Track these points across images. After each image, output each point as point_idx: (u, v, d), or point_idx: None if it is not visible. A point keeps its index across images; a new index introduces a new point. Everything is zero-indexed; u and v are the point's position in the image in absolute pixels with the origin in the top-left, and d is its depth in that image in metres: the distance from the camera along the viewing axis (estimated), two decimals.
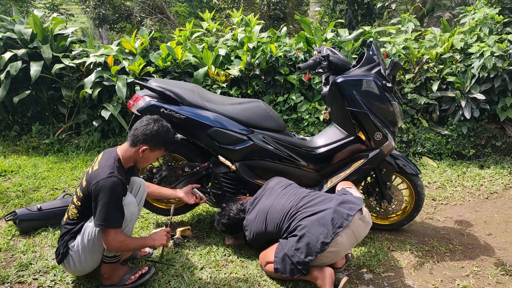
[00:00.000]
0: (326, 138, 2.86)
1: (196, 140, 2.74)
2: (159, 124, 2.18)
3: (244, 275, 2.36)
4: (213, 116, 2.68)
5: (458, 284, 2.32)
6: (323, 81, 2.95)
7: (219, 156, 2.72)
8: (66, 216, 2.22)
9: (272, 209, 2.38)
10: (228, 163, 2.71)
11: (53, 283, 2.25)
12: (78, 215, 2.14)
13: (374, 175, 2.87)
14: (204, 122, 2.65)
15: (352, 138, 2.73)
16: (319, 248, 2.12)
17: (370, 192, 2.93)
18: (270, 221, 2.37)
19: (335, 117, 2.87)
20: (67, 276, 2.30)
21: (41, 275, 2.32)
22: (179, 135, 2.88)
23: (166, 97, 2.66)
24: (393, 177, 2.90)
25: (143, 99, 2.69)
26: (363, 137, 2.69)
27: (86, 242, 2.08)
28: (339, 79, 2.66)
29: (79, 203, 2.13)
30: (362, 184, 2.99)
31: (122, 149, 2.19)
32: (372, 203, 2.96)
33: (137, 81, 2.90)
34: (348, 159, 2.76)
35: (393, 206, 2.94)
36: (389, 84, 2.64)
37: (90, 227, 2.07)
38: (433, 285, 2.32)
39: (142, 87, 2.76)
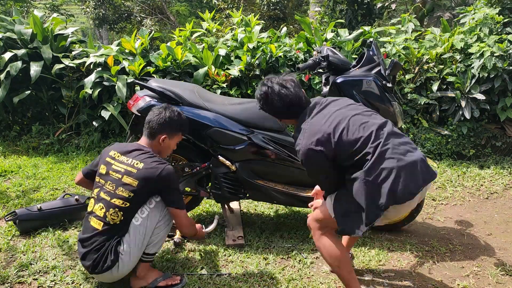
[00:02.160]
0: None
1: (196, 140, 2.73)
2: (170, 110, 2.26)
3: (244, 275, 2.36)
4: (213, 116, 2.68)
5: (458, 284, 2.32)
6: (323, 81, 2.94)
7: (219, 156, 2.71)
8: (99, 223, 2.08)
9: (355, 118, 1.92)
10: (228, 163, 2.70)
11: (53, 283, 2.25)
12: (123, 217, 2.08)
13: None
14: (204, 122, 2.65)
15: None
16: (406, 196, 1.77)
17: None
18: (352, 130, 1.88)
19: None
20: (67, 276, 2.30)
21: (41, 275, 2.31)
22: None
23: (166, 97, 2.67)
24: None
25: (143, 99, 2.69)
26: None
27: (136, 242, 2.09)
28: (339, 79, 2.66)
29: (127, 204, 2.08)
30: None
31: (144, 143, 2.25)
32: None
33: (137, 81, 2.89)
34: None
35: None
36: (389, 84, 2.65)
37: (137, 226, 2.09)
38: (433, 285, 2.32)
39: (142, 87, 2.77)
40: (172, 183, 2.13)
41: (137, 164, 2.12)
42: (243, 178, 2.72)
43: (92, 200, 2.18)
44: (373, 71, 2.67)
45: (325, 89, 2.91)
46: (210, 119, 2.66)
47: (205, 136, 2.66)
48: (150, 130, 2.23)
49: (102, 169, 2.20)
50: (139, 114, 2.66)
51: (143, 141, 2.26)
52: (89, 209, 2.18)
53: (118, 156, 2.20)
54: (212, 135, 2.65)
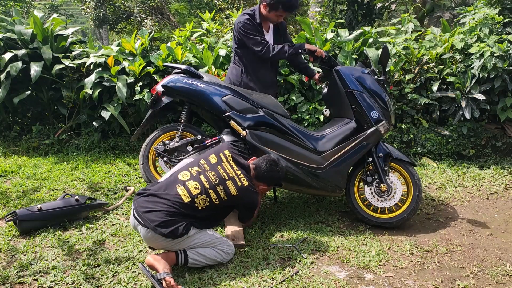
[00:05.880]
0: (328, 126, 3.20)
1: (210, 108, 3.02)
2: (282, 171, 2.66)
3: (244, 275, 2.36)
4: (230, 88, 3.08)
5: (459, 285, 2.32)
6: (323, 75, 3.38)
7: (231, 121, 2.95)
8: (188, 197, 2.32)
9: None
10: (239, 128, 2.93)
11: (53, 283, 2.25)
12: (205, 208, 2.36)
13: (372, 163, 3.07)
14: (222, 90, 3.03)
15: (351, 121, 3.05)
16: None
17: (370, 179, 3.06)
18: None
19: (335, 109, 3.25)
20: (67, 276, 2.30)
21: (41, 276, 2.32)
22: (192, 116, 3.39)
23: (190, 74, 3.16)
24: (391, 170, 3.09)
25: (169, 76, 3.15)
26: (361, 118, 3.00)
27: (196, 238, 2.32)
28: (339, 67, 3.08)
29: (217, 202, 2.38)
30: (364, 176, 3.09)
31: (251, 170, 2.59)
32: (372, 192, 3.06)
33: (168, 64, 3.59)
34: (349, 140, 3.02)
35: (393, 197, 3.04)
36: (381, 77, 3.06)
37: (206, 233, 2.38)
38: (434, 285, 2.32)
39: (173, 70, 3.28)
40: (254, 207, 2.62)
41: (243, 179, 2.47)
42: (252, 143, 2.95)
43: (187, 173, 2.45)
44: (367, 70, 3.10)
45: (326, 89, 3.27)
46: (227, 88, 3.06)
47: (220, 101, 2.98)
48: (258, 174, 2.58)
49: (212, 159, 2.54)
50: (163, 89, 3.11)
51: (251, 167, 2.59)
52: (181, 178, 2.41)
53: (230, 160, 2.54)
54: (228, 100, 2.99)
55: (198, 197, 2.35)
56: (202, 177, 2.42)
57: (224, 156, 2.56)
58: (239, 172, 2.50)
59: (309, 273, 2.39)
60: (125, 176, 4.03)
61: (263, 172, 2.58)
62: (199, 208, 2.35)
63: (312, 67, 3.93)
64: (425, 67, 4.71)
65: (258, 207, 2.69)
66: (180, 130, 3.18)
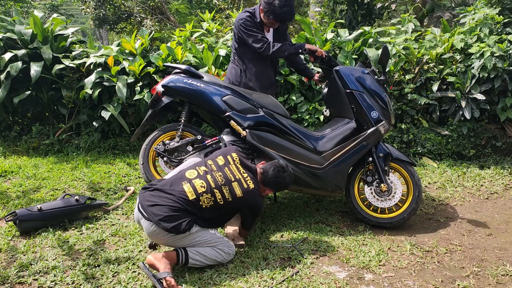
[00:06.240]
0: (328, 126, 3.20)
1: (210, 108, 3.04)
2: (290, 177, 2.65)
3: (244, 275, 2.36)
4: (230, 88, 3.08)
5: (459, 285, 2.32)
6: (323, 74, 3.39)
7: (231, 121, 2.96)
8: (193, 194, 2.34)
9: None
10: (239, 128, 2.94)
11: (53, 283, 2.25)
12: (209, 207, 2.37)
13: (372, 163, 3.07)
14: (222, 90, 3.04)
15: (351, 121, 3.06)
16: None
17: (371, 179, 3.07)
18: None
19: (335, 109, 3.26)
20: (67, 276, 2.30)
21: (41, 276, 2.32)
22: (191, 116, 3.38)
23: (190, 73, 3.17)
24: (391, 170, 3.09)
25: (169, 76, 3.16)
26: (361, 118, 3.00)
27: (198, 236, 2.34)
28: (339, 67, 3.09)
29: (222, 203, 2.39)
30: (364, 175, 3.09)
31: (258, 174, 2.59)
32: (372, 192, 3.07)
33: (167, 64, 3.63)
34: (349, 140, 3.01)
35: (393, 197, 3.04)
36: (381, 77, 3.06)
37: (208, 232, 2.40)
38: (434, 285, 2.32)
39: (173, 70, 3.29)
40: (258, 210, 2.61)
41: (249, 182, 2.49)
42: (252, 143, 2.95)
43: (194, 171, 2.48)
44: (367, 70, 3.10)
45: (326, 90, 3.28)
46: (227, 88, 3.07)
47: (221, 101, 2.99)
48: (265, 179, 2.56)
49: (220, 160, 2.55)
50: (163, 89, 3.12)
51: (258, 171, 2.59)
52: (188, 176, 2.44)
53: (238, 163, 2.56)
54: (228, 100, 3.00)
55: (203, 195, 2.36)
56: (208, 176, 2.44)
57: (232, 158, 2.58)
58: (245, 175, 2.51)
59: (309, 273, 2.40)
60: (125, 176, 4.03)
61: (269, 177, 2.57)
62: (203, 206, 2.36)
63: (312, 67, 3.93)
64: (425, 67, 4.71)
65: (260, 211, 2.70)
66: (180, 130, 3.19)
